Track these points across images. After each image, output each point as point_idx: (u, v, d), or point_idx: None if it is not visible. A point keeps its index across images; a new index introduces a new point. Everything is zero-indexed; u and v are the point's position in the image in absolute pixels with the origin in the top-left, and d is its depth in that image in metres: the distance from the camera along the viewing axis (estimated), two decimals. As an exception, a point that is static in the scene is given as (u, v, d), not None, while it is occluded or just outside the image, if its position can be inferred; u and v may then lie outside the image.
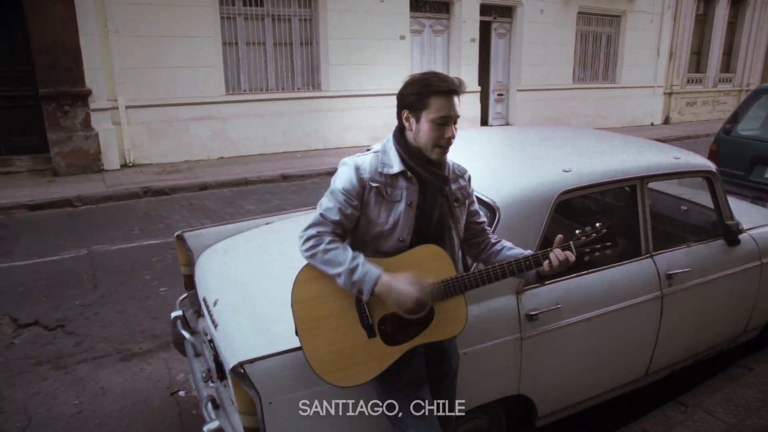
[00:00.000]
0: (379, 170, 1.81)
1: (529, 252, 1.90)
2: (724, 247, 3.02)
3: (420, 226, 1.85)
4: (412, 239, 1.84)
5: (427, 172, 1.82)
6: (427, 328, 1.82)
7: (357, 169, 1.80)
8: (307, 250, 1.78)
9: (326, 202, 1.81)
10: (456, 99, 1.76)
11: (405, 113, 1.80)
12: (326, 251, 1.75)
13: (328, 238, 1.77)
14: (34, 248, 5.64)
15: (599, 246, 1.85)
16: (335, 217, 1.78)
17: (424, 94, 1.74)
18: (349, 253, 1.75)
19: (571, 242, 1.86)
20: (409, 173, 1.81)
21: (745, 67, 17.57)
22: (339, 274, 1.73)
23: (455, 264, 1.88)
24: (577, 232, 1.87)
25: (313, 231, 1.78)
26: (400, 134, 1.85)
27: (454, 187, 1.92)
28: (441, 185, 1.85)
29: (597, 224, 1.87)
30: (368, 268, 1.73)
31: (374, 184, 1.80)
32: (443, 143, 1.77)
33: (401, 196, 1.81)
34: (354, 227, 1.86)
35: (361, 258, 1.75)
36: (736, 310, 3.22)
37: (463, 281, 1.80)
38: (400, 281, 1.74)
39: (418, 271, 1.81)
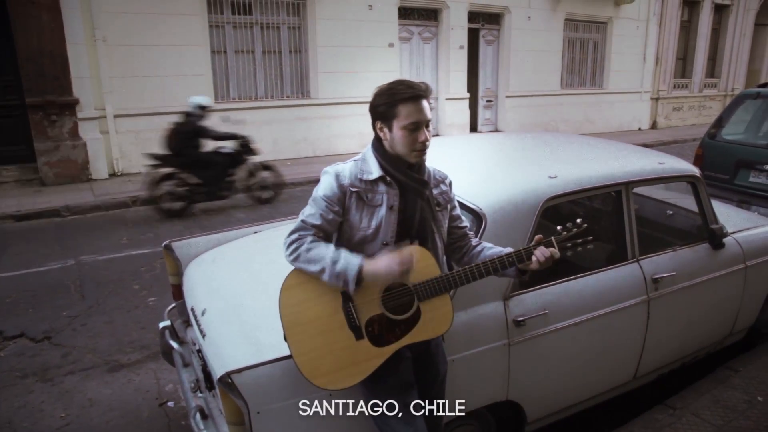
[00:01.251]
0: (359, 177, 1.85)
1: (510, 249, 1.94)
2: (709, 251, 3.06)
3: (402, 230, 1.88)
4: (396, 243, 1.86)
5: (406, 177, 1.86)
6: (414, 327, 1.83)
7: (337, 176, 1.85)
8: (290, 253, 1.81)
9: (308, 209, 1.86)
10: (424, 103, 1.81)
11: (378, 124, 1.85)
12: (309, 249, 1.78)
13: (309, 238, 1.81)
14: (21, 259, 5.59)
15: (581, 241, 1.90)
16: (317, 221, 1.82)
17: (392, 103, 1.79)
18: (331, 247, 1.79)
19: (552, 238, 1.90)
20: (388, 178, 1.85)
21: (729, 72, 17.82)
22: (323, 269, 1.75)
23: (440, 265, 1.90)
24: (558, 228, 1.92)
25: (295, 236, 1.83)
26: (378, 143, 1.89)
27: (435, 192, 1.96)
28: (420, 189, 1.89)
29: (577, 220, 1.92)
30: (349, 258, 1.76)
31: (354, 189, 1.84)
32: (419, 147, 1.82)
33: (382, 200, 1.85)
34: (339, 236, 1.89)
35: (342, 250, 1.78)
36: (722, 313, 3.25)
37: (448, 279, 1.83)
38: (380, 258, 1.77)
39: None
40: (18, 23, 7.81)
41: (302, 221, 1.84)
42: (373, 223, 1.85)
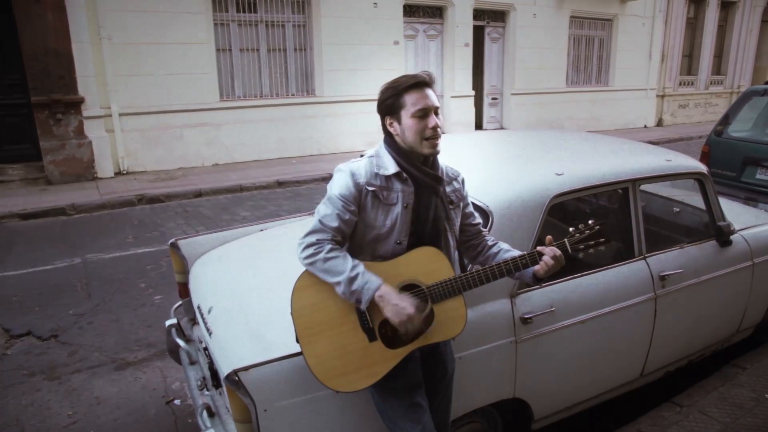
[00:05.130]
0: (375, 172, 1.83)
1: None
2: (716, 248, 3.04)
3: (416, 229, 1.86)
4: (409, 241, 1.85)
5: (421, 173, 1.84)
6: (427, 329, 1.82)
7: (353, 175, 1.81)
8: (306, 258, 1.77)
9: (324, 209, 1.80)
10: (429, 91, 1.80)
11: (387, 120, 1.85)
12: (326, 260, 1.74)
13: (328, 246, 1.76)
14: (27, 258, 5.61)
15: (593, 243, 1.88)
16: (334, 223, 1.78)
17: (397, 94, 1.80)
18: (349, 262, 1.75)
19: (565, 240, 1.89)
20: (404, 174, 1.83)
21: (735, 69, 17.71)
22: (338, 283, 1.72)
23: (453, 265, 1.89)
24: (570, 229, 1.91)
25: (312, 239, 1.77)
26: (390, 139, 1.88)
27: (448, 189, 1.94)
28: (435, 185, 1.87)
29: (590, 221, 1.90)
30: (368, 278, 1.73)
31: (370, 188, 1.81)
32: (429, 134, 1.79)
33: (397, 199, 1.83)
34: (352, 234, 1.86)
35: (360, 267, 1.75)
36: (729, 311, 3.24)
37: (461, 281, 1.81)
38: (400, 296, 1.75)
39: (417, 273, 1.82)
40: (23, 22, 7.83)
41: (319, 221, 1.78)
42: (388, 222, 1.82)
